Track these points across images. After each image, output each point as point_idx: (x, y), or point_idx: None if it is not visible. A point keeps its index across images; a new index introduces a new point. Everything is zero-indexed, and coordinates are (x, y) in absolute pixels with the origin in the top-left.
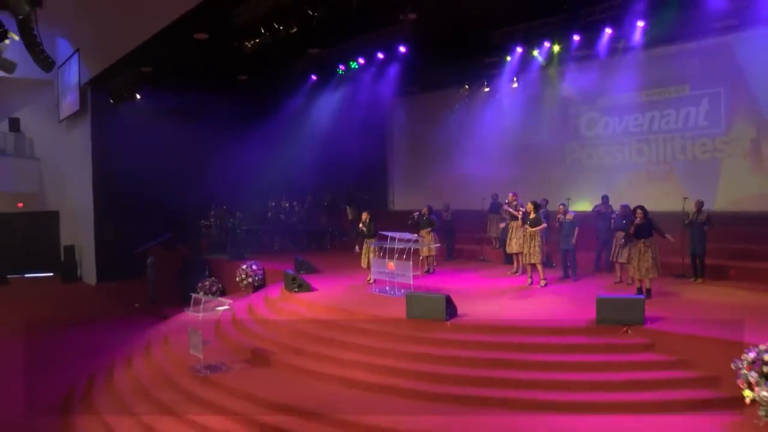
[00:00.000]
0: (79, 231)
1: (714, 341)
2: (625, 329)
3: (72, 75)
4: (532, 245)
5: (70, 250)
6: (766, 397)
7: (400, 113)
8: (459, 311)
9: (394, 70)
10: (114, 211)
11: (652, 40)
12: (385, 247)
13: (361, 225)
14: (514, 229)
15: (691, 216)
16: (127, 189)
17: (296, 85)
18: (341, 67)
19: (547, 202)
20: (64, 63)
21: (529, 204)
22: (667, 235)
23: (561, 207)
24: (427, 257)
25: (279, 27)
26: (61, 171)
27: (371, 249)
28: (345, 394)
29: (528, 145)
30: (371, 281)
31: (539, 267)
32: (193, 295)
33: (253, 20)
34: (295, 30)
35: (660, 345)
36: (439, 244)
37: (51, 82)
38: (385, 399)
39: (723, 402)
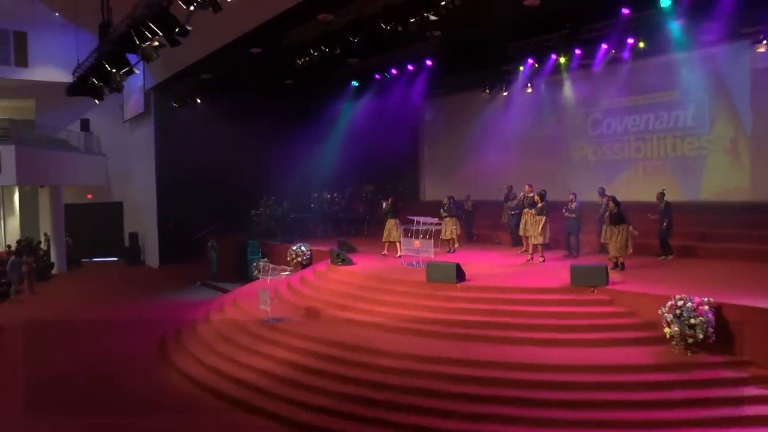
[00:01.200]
0: (142, 219)
1: (654, 297)
2: (592, 289)
3: (136, 81)
4: (535, 229)
5: (134, 236)
6: (677, 331)
7: (430, 114)
8: (467, 277)
9: (423, 76)
10: (174, 202)
11: (646, 52)
12: (412, 229)
13: (384, 207)
14: (530, 216)
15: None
16: (186, 182)
17: (337, 89)
18: (377, 76)
19: (546, 192)
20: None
21: (536, 195)
22: (631, 227)
23: (571, 196)
24: (448, 240)
25: (325, 49)
26: (124, 166)
27: (392, 226)
28: (378, 334)
29: (541, 143)
30: (385, 253)
31: (540, 247)
32: (262, 263)
33: (303, 42)
34: (338, 51)
35: (617, 301)
36: (454, 227)
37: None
38: (408, 337)
39: (655, 339)
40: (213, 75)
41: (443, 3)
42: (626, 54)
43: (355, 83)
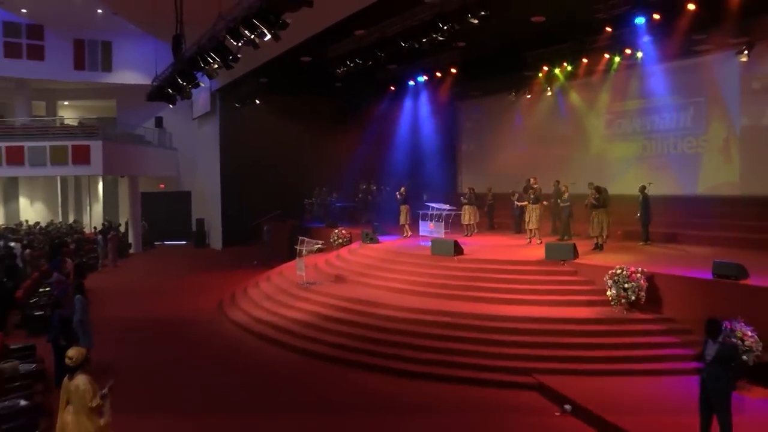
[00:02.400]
0: (207, 207)
1: (609, 269)
2: (562, 262)
3: (204, 83)
4: (532, 216)
5: (201, 222)
6: (614, 293)
7: (465, 114)
8: (466, 252)
9: (455, 81)
10: (236, 191)
11: (650, 60)
12: (428, 213)
13: (398, 195)
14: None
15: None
16: (246, 173)
17: (380, 91)
18: (411, 81)
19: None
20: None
21: (531, 188)
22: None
23: (564, 188)
24: (467, 225)
25: (358, 61)
26: (193, 159)
27: (405, 211)
28: (385, 293)
29: (560, 141)
30: (407, 236)
31: (536, 231)
32: (299, 237)
33: (342, 54)
34: (370, 63)
35: (580, 272)
36: (473, 214)
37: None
38: (411, 296)
39: (603, 302)
40: (270, 79)
41: (446, 28)
42: (633, 62)
43: (392, 87)
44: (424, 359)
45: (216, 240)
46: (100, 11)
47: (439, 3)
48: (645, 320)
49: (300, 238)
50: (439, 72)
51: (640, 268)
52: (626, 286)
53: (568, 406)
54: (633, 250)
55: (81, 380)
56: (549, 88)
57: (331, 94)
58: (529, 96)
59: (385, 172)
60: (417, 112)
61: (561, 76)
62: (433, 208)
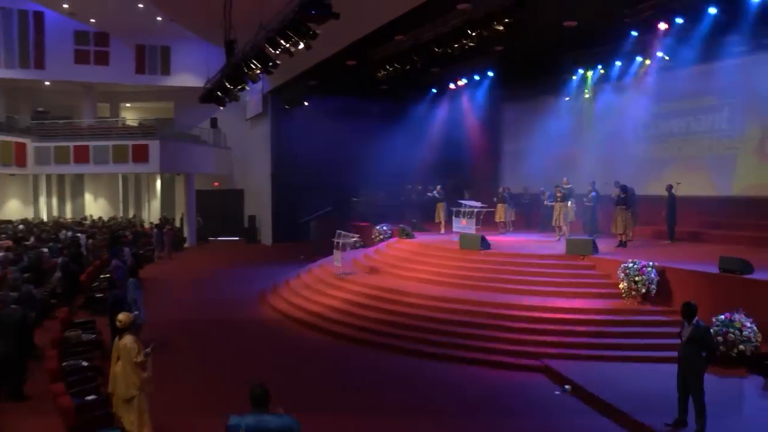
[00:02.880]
0: (258, 204)
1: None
2: (582, 257)
3: (256, 85)
4: (560, 214)
5: (252, 219)
6: (626, 286)
7: (506, 115)
8: (493, 247)
9: (495, 83)
10: (286, 190)
11: (687, 62)
12: (461, 210)
13: (435, 193)
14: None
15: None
16: (296, 172)
17: (424, 93)
18: (453, 84)
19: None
20: None
21: (558, 188)
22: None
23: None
24: (501, 222)
25: (397, 66)
26: (246, 158)
27: (439, 209)
28: (416, 284)
29: (597, 142)
30: (442, 232)
31: (564, 228)
32: (337, 231)
33: (383, 59)
34: (408, 67)
35: (598, 267)
36: (505, 212)
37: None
38: (437, 286)
39: (616, 294)
40: (318, 81)
41: (474, 34)
42: (667, 64)
43: (434, 90)
44: (443, 342)
45: (266, 236)
46: (159, 18)
47: (469, 10)
48: (653, 311)
49: (338, 231)
50: (478, 75)
51: (651, 262)
52: (636, 279)
53: (567, 387)
54: (656, 247)
55: (128, 340)
56: (586, 91)
57: (377, 96)
58: (567, 98)
59: (431, 171)
60: (460, 113)
61: (597, 79)
62: (465, 205)
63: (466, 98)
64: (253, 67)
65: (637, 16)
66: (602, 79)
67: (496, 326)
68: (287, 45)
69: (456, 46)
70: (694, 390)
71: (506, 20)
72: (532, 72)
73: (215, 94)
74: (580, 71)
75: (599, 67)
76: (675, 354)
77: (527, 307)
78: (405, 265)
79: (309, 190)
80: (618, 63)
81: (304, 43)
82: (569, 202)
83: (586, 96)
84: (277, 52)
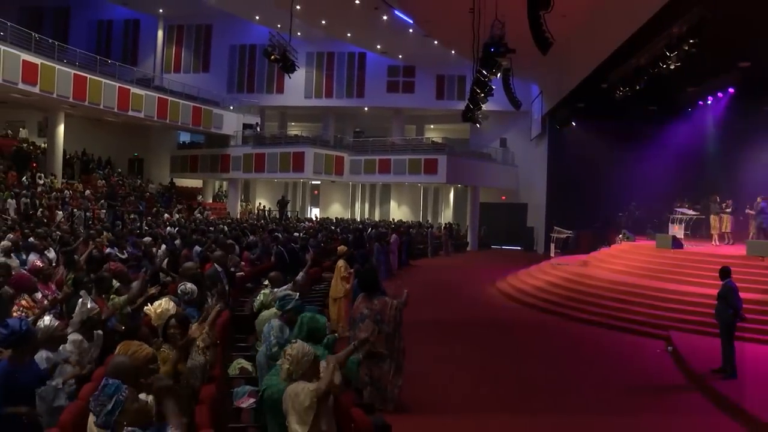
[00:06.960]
0: (536, 217)
1: None
2: (762, 258)
3: (537, 108)
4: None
5: (530, 230)
6: None
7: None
8: (685, 248)
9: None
10: (559, 204)
11: None
12: (675, 217)
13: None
14: None
15: None
16: (569, 188)
17: (678, 112)
18: (700, 102)
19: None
20: (535, 100)
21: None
22: None
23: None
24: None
25: (626, 89)
26: (530, 175)
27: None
28: (609, 273)
29: None
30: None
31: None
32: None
33: (616, 81)
34: (638, 88)
35: None
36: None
37: (527, 113)
38: (624, 275)
39: None
40: (585, 104)
41: (672, 55)
42: None
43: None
44: (612, 315)
45: (540, 246)
46: (453, 52)
47: (666, 34)
48: None
49: (554, 227)
50: (720, 92)
51: None
52: None
53: (670, 348)
54: None
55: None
56: None
57: (637, 117)
58: None
59: (695, 190)
60: (714, 130)
61: None
62: (677, 212)
63: (718, 115)
64: (478, 91)
65: None
66: None
67: (654, 305)
68: (488, 75)
69: (664, 66)
70: (723, 340)
71: (691, 41)
72: None
73: (468, 114)
74: None
75: None
76: None
77: (685, 293)
78: (611, 260)
79: (581, 204)
80: None
81: (494, 73)
82: None
83: None
84: (485, 79)
